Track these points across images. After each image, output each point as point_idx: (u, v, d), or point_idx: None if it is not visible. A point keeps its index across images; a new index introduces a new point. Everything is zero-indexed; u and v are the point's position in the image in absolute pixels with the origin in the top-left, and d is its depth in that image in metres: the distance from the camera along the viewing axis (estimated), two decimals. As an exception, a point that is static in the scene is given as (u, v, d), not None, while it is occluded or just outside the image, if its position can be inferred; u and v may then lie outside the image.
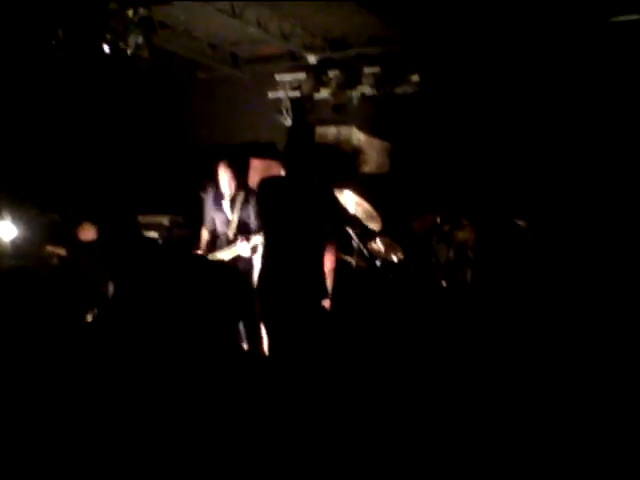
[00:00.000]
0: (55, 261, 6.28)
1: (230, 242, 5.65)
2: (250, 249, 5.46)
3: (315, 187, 4.39)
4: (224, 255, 5.57)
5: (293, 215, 4.29)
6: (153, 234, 7.58)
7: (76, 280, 6.09)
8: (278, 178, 4.66)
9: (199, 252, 5.82)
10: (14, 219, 6.30)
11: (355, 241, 5.64)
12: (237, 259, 5.54)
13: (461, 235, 5.51)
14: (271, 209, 4.42)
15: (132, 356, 2.54)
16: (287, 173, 4.50)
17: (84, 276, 6.29)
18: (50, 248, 6.45)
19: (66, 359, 2.56)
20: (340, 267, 5.66)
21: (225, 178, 5.70)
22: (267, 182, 4.58)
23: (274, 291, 4.27)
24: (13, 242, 6.27)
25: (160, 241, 7.44)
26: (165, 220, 7.63)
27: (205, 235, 5.89)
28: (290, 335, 4.03)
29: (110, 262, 6.55)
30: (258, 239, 5.26)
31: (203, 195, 5.97)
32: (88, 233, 6.49)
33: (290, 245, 4.27)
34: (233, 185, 5.71)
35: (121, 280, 6.56)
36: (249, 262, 5.57)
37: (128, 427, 2.16)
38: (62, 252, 6.21)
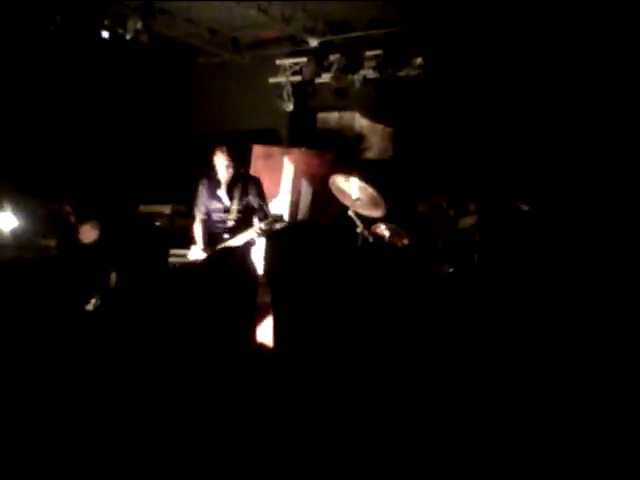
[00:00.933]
0: (54, 252, 6.24)
1: (230, 230, 5.58)
2: (261, 234, 5.34)
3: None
4: (234, 243, 5.44)
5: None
6: (155, 223, 7.55)
7: (76, 270, 6.02)
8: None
9: (199, 247, 5.67)
10: (14, 210, 6.25)
11: (359, 227, 5.57)
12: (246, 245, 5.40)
13: (467, 220, 5.43)
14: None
15: (134, 347, 2.47)
16: None
17: (85, 266, 6.25)
18: (49, 239, 6.42)
19: (66, 350, 2.49)
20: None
21: (222, 164, 5.55)
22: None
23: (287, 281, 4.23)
24: (13, 232, 6.22)
25: (163, 230, 7.40)
26: (167, 209, 7.58)
27: (198, 229, 5.72)
28: (304, 326, 3.99)
29: (113, 252, 6.51)
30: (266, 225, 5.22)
31: (198, 185, 5.80)
32: (90, 234, 6.44)
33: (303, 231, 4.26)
34: (230, 171, 5.56)
35: (124, 270, 6.52)
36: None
37: (129, 420, 2.09)
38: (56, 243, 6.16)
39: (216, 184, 5.65)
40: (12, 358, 2.43)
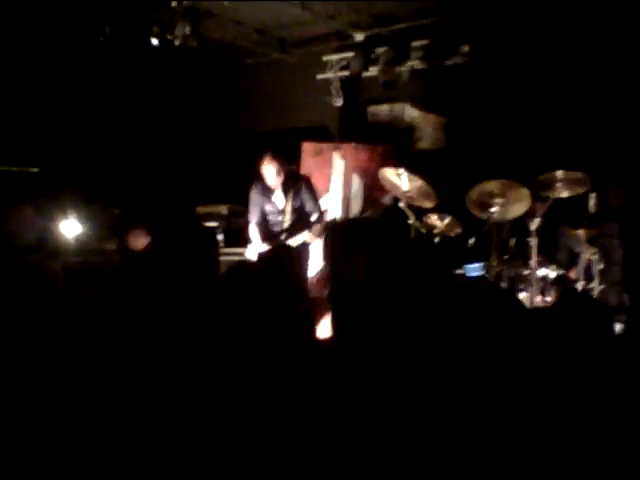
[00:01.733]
0: (116, 257, 6.41)
1: (287, 231, 5.64)
2: (317, 236, 5.48)
3: None
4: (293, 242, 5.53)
5: None
6: (212, 224, 7.66)
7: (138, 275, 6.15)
8: None
9: (255, 245, 5.75)
10: (78, 217, 6.46)
11: (411, 218, 5.55)
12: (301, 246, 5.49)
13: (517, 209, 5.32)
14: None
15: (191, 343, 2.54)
16: None
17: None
18: (111, 244, 6.59)
19: (128, 352, 2.57)
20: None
21: (271, 171, 5.56)
22: None
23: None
24: (77, 239, 6.43)
25: (220, 230, 7.50)
26: (224, 209, 7.70)
27: (254, 230, 5.78)
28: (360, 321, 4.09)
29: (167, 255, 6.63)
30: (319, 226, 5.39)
31: (250, 192, 5.87)
32: (139, 241, 6.59)
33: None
34: (281, 177, 5.59)
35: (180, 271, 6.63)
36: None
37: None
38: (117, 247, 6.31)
39: (268, 188, 5.72)
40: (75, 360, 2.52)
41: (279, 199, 5.73)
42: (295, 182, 5.73)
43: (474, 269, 5.38)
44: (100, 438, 2.15)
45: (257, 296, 2.75)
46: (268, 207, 5.76)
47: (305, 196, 5.67)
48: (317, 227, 5.46)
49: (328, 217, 6.44)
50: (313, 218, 5.63)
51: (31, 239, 5.99)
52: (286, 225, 5.70)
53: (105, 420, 2.20)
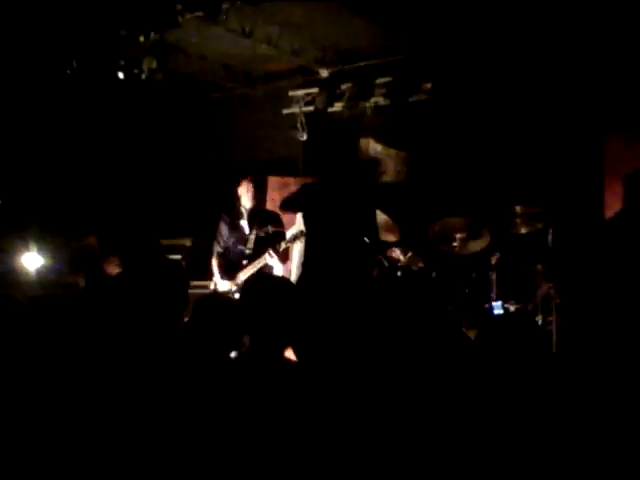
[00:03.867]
0: (79, 289, 6.35)
1: (248, 257, 5.73)
2: (278, 260, 5.59)
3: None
4: (250, 271, 5.63)
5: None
6: (176, 256, 7.64)
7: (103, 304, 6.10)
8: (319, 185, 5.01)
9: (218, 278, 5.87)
10: (39, 249, 6.40)
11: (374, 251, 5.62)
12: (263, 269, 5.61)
13: (478, 243, 5.45)
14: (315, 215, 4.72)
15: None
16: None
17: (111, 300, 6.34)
18: (74, 276, 6.53)
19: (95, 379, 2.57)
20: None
21: (249, 192, 5.86)
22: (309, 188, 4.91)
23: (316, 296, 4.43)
24: (38, 271, 6.37)
25: (183, 263, 7.48)
26: (187, 242, 7.70)
27: (215, 262, 5.95)
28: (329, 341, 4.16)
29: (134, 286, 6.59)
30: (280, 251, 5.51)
31: (219, 221, 6.02)
32: (113, 266, 6.56)
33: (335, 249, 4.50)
34: (255, 200, 5.89)
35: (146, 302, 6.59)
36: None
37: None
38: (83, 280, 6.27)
39: (237, 215, 5.92)
40: (42, 393, 2.52)
41: (245, 227, 5.89)
42: (265, 215, 5.95)
43: (497, 307, 5.39)
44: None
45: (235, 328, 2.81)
46: (233, 236, 5.91)
47: (271, 229, 5.75)
48: (278, 246, 5.53)
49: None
50: (273, 243, 5.68)
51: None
52: (247, 252, 5.79)
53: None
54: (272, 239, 5.72)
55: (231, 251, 5.94)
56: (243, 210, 5.92)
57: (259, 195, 6.00)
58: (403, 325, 3.06)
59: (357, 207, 5.02)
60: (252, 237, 5.81)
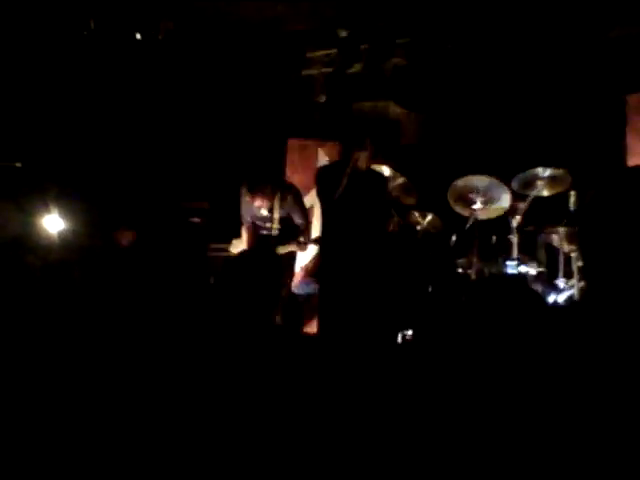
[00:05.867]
0: (99, 253, 6.40)
1: (276, 239, 5.66)
2: (302, 248, 5.60)
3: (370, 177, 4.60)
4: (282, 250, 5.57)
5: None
6: (195, 219, 7.66)
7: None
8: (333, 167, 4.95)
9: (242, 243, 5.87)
10: (61, 212, 6.43)
11: (394, 215, 5.60)
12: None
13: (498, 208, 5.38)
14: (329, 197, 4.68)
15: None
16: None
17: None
18: (94, 240, 6.57)
19: (121, 356, 2.58)
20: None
21: (257, 204, 5.55)
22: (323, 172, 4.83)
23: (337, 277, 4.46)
24: (60, 235, 6.41)
25: (202, 226, 7.50)
26: (206, 205, 7.71)
27: (245, 234, 5.89)
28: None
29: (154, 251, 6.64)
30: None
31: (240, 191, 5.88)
32: (127, 238, 6.58)
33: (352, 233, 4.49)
34: (267, 200, 5.55)
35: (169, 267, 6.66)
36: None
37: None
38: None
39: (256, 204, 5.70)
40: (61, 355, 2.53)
41: (267, 212, 5.73)
42: (282, 192, 5.67)
43: (511, 266, 5.33)
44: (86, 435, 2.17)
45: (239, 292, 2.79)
46: (256, 215, 5.78)
47: (292, 209, 5.68)
48: (302, 240, 5.51)
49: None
50: (300, 230, 5.69)
51: (11, 234, 5.96)
52: (274, 233, 5.72)
53: (92, 419, 2.21)
54: (296, 222, 5.71)
55: (257, 226, 5.84)
56: (259, 206, 5.65)
57: (270, 193, 5.53)
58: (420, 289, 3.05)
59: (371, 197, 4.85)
60: (276, 217, 5.67)
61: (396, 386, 2.19)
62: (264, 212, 5.67)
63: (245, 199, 5.66)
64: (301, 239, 5.56)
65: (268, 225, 5.74)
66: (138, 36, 6.97)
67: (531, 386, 1.81)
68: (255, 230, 5.83)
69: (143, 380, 2.33)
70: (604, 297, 1.71)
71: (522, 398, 1.79)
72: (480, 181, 5.31)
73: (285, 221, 5.69)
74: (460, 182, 5.35)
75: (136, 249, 6.56)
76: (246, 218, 5.84)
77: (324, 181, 5.04)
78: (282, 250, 5.49)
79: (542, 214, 5.49)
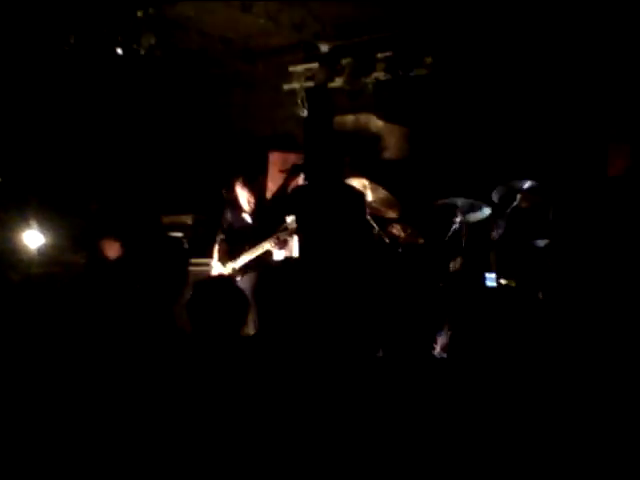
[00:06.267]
0: (80, 267, 6.35)
1: (250, 242, 5.70)
2: (280, 247, 5.59)
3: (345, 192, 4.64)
4: (250, 256, 5.65)
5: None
6: (177, 234, 7.64)
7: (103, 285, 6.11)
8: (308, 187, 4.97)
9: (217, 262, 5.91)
10: (41, 227, 6.39)
11: (375, 228, 5.61)
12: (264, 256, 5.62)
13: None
14: (306, 218, 4.71)
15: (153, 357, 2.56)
16: (312, 172, 4.84)
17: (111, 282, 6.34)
18: (77, 254, 6.53)
19: (95, 367, 2.58)
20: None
21: (244, 196, 5.78)
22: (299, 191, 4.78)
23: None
24: (39, 250, 6.36)
25: (185, 240, 7.48)
26: (189, 219, 7.69)
27: (217, 247, 5.97)
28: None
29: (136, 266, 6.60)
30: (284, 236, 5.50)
31: (224, 209, 5.99)
32: (113, 249, 6.54)
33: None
34: (252, 200, 5.78)
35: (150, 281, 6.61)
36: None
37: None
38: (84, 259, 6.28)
39: (239, 208, 5.89)
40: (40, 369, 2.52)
41: (247, 218, 5.89)
42: (263, 200, 5.96)
43: (490, 279, 5.38)
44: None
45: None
46: (237, 220, 5.91)
47: (272, 210, 5.77)
48: (277, 236, 5.51)
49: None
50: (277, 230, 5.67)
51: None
52: (250, 238, 5.77)
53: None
54: (274, 225, 5.71)
55: (234, 232, 5.92)
56: (243, 206, 5.87)
57: (255, 193, 5.83)
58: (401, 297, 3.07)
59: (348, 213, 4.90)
60: (257, 225, 5.82)
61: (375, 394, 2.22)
62: (247, 218, 5.75)
63: (236, 194, 5.78)
64: (275, 236, 5.56)
65: (244, 232, 5.83)
66: (119, 51, 6.94)
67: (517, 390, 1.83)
68: (230, 240, 5.89)
69: (125, 390, 2.34)
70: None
71: (506, 405, 1.80)
72: (460, 201, 5.39)
73: (262, 228, 5.74)
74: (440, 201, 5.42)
75: (120, 264, 6.53)
76: (223, 226, 5.94)
77: (300, 201, 5.11)
78: (256, 252, 5.61)
79: (522, 227, 5.53)
